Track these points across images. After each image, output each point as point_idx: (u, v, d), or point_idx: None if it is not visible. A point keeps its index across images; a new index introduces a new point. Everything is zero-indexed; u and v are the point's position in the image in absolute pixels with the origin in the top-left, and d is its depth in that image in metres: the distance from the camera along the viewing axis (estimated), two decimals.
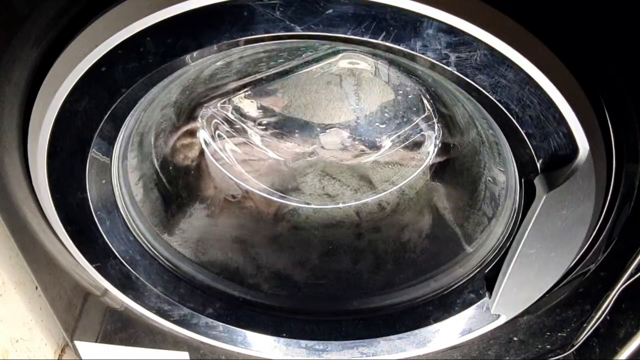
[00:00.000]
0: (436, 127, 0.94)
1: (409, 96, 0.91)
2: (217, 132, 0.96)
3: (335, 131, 0.97)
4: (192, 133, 0.96)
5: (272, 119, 0.96)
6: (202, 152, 0.99)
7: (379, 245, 0.99)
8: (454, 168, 0.98)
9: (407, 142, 0.98)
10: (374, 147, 0.99)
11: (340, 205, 1.04)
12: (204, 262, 0.91)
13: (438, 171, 1.01)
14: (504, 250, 0.74)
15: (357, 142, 0.98)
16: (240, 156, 1.01)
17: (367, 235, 1.01)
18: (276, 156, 1.00)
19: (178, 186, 0.94)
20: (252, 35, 0.53)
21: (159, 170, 0.90)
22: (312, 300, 0.93)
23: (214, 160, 1.00)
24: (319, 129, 0.97)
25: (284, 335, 0.89)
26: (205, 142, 0.98)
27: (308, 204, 1.04)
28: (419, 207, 1.01)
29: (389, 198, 1.03)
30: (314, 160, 1.03)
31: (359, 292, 0.92)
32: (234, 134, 0.97)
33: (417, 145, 0.98)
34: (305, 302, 0.92)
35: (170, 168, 0.93)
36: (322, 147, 0.99)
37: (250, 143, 0.99)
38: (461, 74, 0.54)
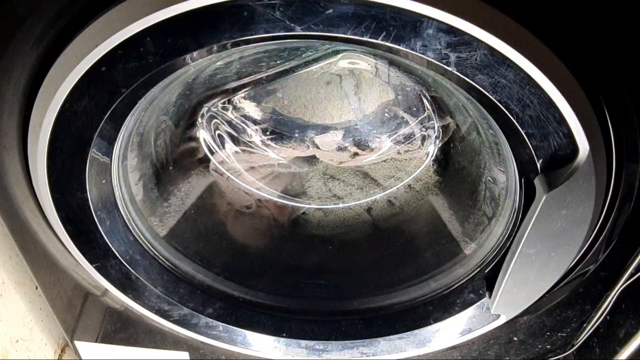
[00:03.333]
0: (436, 127, 0.94)
1: (409, 96, 0.91)
2: (217, 132, 0.96)
3: (335, 131, 0.97)
4: (195, 139, 0.96)
5: (272, 119, 0.96)
6: (208, 168, 0.99)
7: (392, 242, 0.99)
8: (454, 168, 0.98)
9: (407, 142, 0.98)
10: (374, 147, 0.99)
11: (351, 204, 1.03)
12: (205, 262, 0.91)
13: (438, 171, 1.01)
14: (504, 250, 0.74)
15: (357, 142, 0.98)
16: (244, 165, 1.01)
17: (380, 233, 1.01)
18: (276, 156, 1.00)
19: (179, 186, 0.94)
20: (252, 35, 0.53)
21: (159, 170, 0.90)
22: (312, 300, 0.93)
23: (225, 170, 1.00)
24: (319, 129, 0.97)
25: (284, 335, 0.89)
26: (210, 150, 0.98)
27: (319, 207, 1.04)
28: (425, 202, 1.01)
29: (397, 194, 1.03)
30: (314, 161, 1.03)
31: (359, 292, 0.92)
32: (234, 134, 0.97)
33: (417, 145, 0.98)
34: (305, 302, 0.92)
35: (171, 168, 0.93)
36: (322, 147, 0.99)
37: (250, 143, 0.99)
38: (461, 74, 0.54)
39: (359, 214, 1.05)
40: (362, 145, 0.99)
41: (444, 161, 1.00)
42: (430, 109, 0.92)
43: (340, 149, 0.99)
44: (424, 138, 0.97)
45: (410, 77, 0.86)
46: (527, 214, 0.63)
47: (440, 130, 0.94)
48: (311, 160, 1.03)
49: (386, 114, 0.95)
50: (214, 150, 0.98)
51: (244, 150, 0.99)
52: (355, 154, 1.00)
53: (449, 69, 0.53)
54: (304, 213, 1.05)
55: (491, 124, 0.64)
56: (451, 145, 0.96)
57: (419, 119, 0.94)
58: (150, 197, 0.87)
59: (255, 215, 1.03)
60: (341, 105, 0.94)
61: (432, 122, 0.94)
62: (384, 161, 1.02)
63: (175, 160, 0.94)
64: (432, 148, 0.97)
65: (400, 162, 1.01)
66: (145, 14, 0.52)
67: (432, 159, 0.99)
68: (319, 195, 1.04)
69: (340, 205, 1.04)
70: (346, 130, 0.97)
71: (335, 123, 0.96)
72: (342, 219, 1.04)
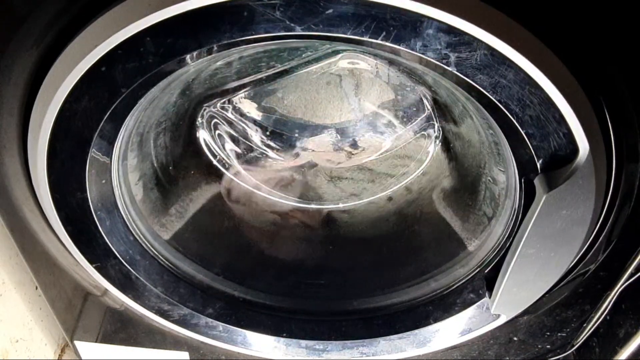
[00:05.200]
0: (436, 127, 0.94)
1: (409, 96, 0.91)
2: (217, 132, 0.96)
3: (335, 131, 0.97)
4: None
5: (272, 119, 0.96)
6: (207, 167, 0.99)
7: (392, 241, 0.99)
8: (454, 167, 0.98)
9: (406, 142, 0.98)
10: (374, 147, 0.99)
11: (372, 197, 1.03)
12: (205, 262, 0.91)
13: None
14: (504, 250, 0.74)
15: (356, 142, 0.98)
16: (259, 177, 1.01)
17: (406, 223, 1.01)
18: (276, 156, 1.00)
19: (179, 186, 0.94)
20: (252, 35, 0.53)
21: (158, 170, 0.89)
22: (312, 300, 0.93)
23: (246, 185, 1.01)
24: (318, 129, 0.97)
25: (284, 335, 0.89)
26: (210, 150, 0.97)
27: (345, 206, 1.03)
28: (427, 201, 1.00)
29: (412, 181, 1.03)
30: (315, 162, 1.03)
31: (359, 292, 0.92)
32: (234, 134, 0.97)
33: (416, 144, 0.98)
34: (305, 302, 0.92)
35: (171, 168, 0.93)
36: (321, 147, 0.99)
37: (250, 143, 0.99)
38: (461, 74, 0.54)
39: (391, 201, 1.03)
40: (362, 144, 0.99)
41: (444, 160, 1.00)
42: (430, 109, 0.92)
43: (342, 147, 0.99)
44: (424, 138, 0.97)
45: (410, 77, 0.86)
46: (527, 214, 0.63)
47: (440, 130, 0.94)
48: (312, 161, 1.03)
49: (386, 114, 0.95)
50: (214, 152, 0.98)
51: (249, 162, 0.99)
52: (355, 154, 1.00)
53: (449, 69, 0.53)
54: (343, 222, 1.04)
55: (491, 124, 0.64)
56: (451, 145, 0.96)
57: (419, 119, 0.94)
58: (150, 197, 0.87)
59: (278, 224, 1.02)
60: (341, 106, 0.94)
61: (432, 122, 0.94)
62: (386, 160, 1.02)
63: (175, 161, 0.94)
64: (432, 148, 0.97)
65: (401, 161, 1.01)
66: (145, 14, 0.52)
67: (431, 158, 0.99)
68: (346, 197, 1.04)
69: (364, 200, 1.03)
70: (346, 130, 0.97)
71: (335, 123, 0.96)
72: (380, 213, 1.03)
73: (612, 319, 0.80)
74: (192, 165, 0.98)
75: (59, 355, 1.09)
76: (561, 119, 0.55)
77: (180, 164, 0.95)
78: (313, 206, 1.04)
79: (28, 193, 0.71)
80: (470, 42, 0.51)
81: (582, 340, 0.85)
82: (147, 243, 0.81)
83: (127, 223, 0.77)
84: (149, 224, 0.84)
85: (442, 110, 0.91)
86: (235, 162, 1.01)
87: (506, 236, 0.75)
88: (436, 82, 0.81)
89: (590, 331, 0.83)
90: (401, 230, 1.00)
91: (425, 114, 0.93)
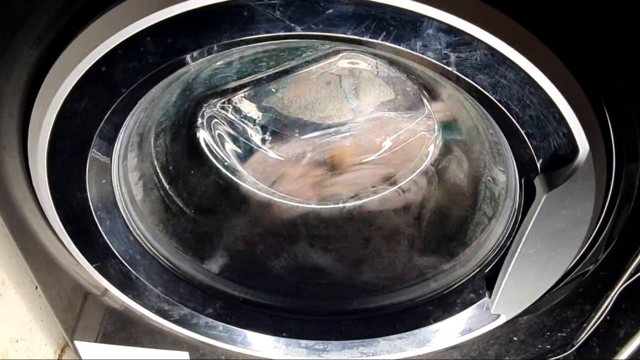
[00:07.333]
0: (436, 127, 0.94)
1: (409, 96, 0.91)
2: (217, 132, 0.96)
3: (335, 131, 0.97)
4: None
5: (272, 119, 0.96)
6: (207, 167, 0.99)
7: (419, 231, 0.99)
8: (454, 167, 0.98)
9: (406, 142, 0.98)
10: (374, 146, 0.99)
11: (372, 198, 1.03)
12: (205, 262, 0.91)
13: (438, 170, 1.01)
14: (504, 250, 0.74)
15: (357, 142, 0.98)
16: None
17: (406, 222, 1.01)
18: (276, 156, 1.00)
19: (178, 185, 0.94)
20: (252, 35, 0.53)
21: (159, 170, 0.90)
22: (312, 300, 0.93)
23: (246, 185, 1.01)
24: (319, 129, 0.97)
25: (284, 335, 0.89)
26: (211, 150, 0.98)
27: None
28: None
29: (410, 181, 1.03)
30: (316, 162, 1.03)
31: (359, 292, 0.92)
32: (234, 133, 0.97)
33: (417, 144, 0.98)
34: (305, 302, 0.92)
35: (170, 168, 0.93)
36: (322, 147, 0.99)
37: (250, 143, 0.99)
38: (461, 73, 0.54)
39: (381, 205, 1.04)
40: (362, 145, 0.99)
41: (444, 160, 1.00)
42: (430, 109, 0.92)
43: (340, 149, 0.99)
44: (424, 137, 0.97)
45: (410, 77, 0.86)
46: (527, 214, 0.63)
47: (441, 130, 0.94)
48: (314, 164, 1.03)
49: (386, 114, 0.95)
50: (214, 152, 0.98)
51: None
52: (355, 154, 1.00)
53: (449, 68, 0.53)
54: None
55: (491, 124, 0.64)
56: (451, 145, 0.96)
57: (419, 118, 0.94)
58: (150, 197, 0.87)
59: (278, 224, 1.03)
60: (341, 105, 0.94)
61: (432, 121, 0.94)
62: (386, 160, 1.02)
63: (175, 161, 0.94)
64: (432, 148, 0.97)
65: (401, 161, 1.01)
66: (145, 14, 0.52)
67: (432, 158, 0.99)
68: (334, 197, 1.04)
69: (365, 200, 1.03)
70: (346, 130, 0.97)
71: (335, 123, 0.96)
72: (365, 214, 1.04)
73: (612, 319, 0.80)
74: (192, 165, 0.98)
75: (59, 355, 1.09)
76: (561, 119, 0.55)
77: (180, 164, 0.95)
78: (313, 206, 1.04)
79: (28, 193, 0.71)
80: (470, 42, 0.51)
81: (582, 340, 0.85)
82: (147, 243, 0.81)
83: (127, 223, 0.77)
84: (149, 223, 0.84)
85: (441, 109, 0.91)
86: (235, 162, 1.01)
87: (506, 236, 0.75)
88: (436, 81, 0.81)
89: (591, 331, 0.83)
90: (400, 229, 1.00)
91: (425, 114, 0.93)
